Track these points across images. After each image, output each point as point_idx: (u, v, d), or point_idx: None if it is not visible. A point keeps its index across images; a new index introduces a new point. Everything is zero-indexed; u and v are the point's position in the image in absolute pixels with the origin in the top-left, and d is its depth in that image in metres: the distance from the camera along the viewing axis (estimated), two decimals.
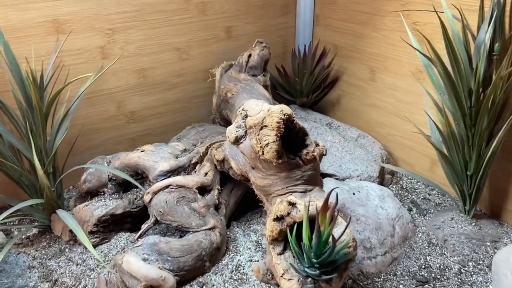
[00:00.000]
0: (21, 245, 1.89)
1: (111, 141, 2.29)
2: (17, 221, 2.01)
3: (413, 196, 2.19)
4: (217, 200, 1.81)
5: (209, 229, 1.72)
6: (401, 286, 1.62)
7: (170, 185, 1.72)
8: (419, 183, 2.30)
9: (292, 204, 1.33)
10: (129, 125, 2.35)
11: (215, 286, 1.65)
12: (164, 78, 2.36)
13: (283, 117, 1.34)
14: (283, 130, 1.33)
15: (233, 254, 1.79)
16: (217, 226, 1.76)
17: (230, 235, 1.88)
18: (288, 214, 1.32)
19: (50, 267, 1.77)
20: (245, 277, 1.69)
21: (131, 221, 1.92)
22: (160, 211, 1.70)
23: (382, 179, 2.21)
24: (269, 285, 1.50)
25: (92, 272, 1.73)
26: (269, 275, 1.43)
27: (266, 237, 1.38)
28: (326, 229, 1.23)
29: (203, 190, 1.80)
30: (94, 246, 1.83)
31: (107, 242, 1.85)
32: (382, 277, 1.67)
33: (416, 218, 2.02)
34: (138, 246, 1.61)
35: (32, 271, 1.75)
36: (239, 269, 1.72)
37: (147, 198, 1.74)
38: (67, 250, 1.85)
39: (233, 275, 1.70)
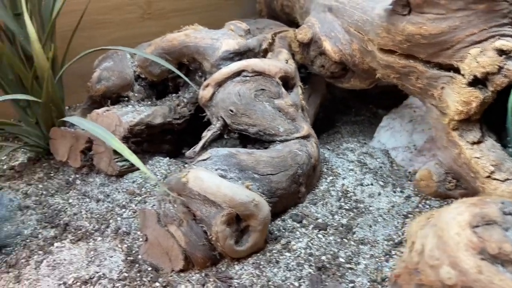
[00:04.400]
0: (1, 178, 1.23)
1: (120, 42, 1.61)
2: None
3: None
4: (303, 101, 1.23)
5: (303, 137, 1.15)
6: None
7: (244, 70, 1.11)
8: None
9: (506, 53, 0.78)
10: (143, 22, 1.70)
11: (321, 220, 1.09)
12: None
13: None
14: None
15: (332, 178, 1.23)
16: (312, 135, 1.18)
17: None
18: (499, 70, 0.77)
19: (55, 206, 1.13)
20: (361, 205, 1.14)
21: (171, 140, 1.30)
22: (231, 110, 1.10)
23: None
24: (445, 200, 0.95)
25: (123, 210, 1.12)
26: (450, 183, 0.88)
27: (448, 118, 0.82)
28: None
29: (285, 84, 1.21)
30: (121, 175, 1.21)
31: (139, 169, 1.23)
32: None
33: None
34: (204, 159, 1.02)
35: (26, 212, 1.12)
36: (348, 195, 1.17)
37: (206, 93, 1.13)
38: (78, 181, 1.22)
39: (343, 204, 1.14)
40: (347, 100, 1.80)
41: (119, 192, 1.18)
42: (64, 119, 1.08)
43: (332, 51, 1.21)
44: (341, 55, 1.20)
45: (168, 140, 1.29)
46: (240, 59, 1.16)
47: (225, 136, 1.15)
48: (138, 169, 1.23)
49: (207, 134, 1.10)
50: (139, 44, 1.65)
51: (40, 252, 1.01)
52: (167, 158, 1.29)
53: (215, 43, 1.15)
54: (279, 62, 1.18)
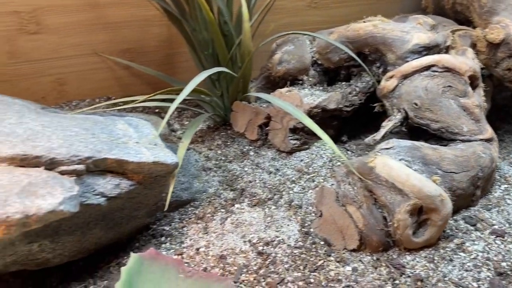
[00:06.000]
0: None
1: (289, 28, 1.68)
2: (175, 113, 1.53)
3: None
4: (485, 103, 1.19)
5: (486, 140, 1.11)
6: None
7: (434, 65, 1.11)
8: None
9: None
10: (309, 10, 1.76)
11: (497, 226, 1.05)
12: None
13: None
14: None
15: (506, 186, 1.17)
16: (495, 138, 1.14)
17: None
18: None
19: (233, 172, 1.26)
20: None
21: (336, 126, 1.35)
22: (416, 104, 1.10)
23: None
24: None
25: (293, 184, 1.20)
26: None
27: None
28: None
29: (470, 83, 1.18)
30: (291, 152, 1.29)
31: (307, 149, 1.31)
32: None
33: None
34: (387, 148, 1.04)
35: (209, 173, 1.25)
36: None
37: (390, 84, 1.15)
38: (251, 153, 1.33)
39: None
40: (509, 108, 1.68)
41: (288, 168, 1.26)
42: (257, 94, 1.19)
43: None
44: None
45: (333, 126, 1.34)
46: (426, 54, 1.16)
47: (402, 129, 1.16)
48: (306, 148, 1.30)
49: (388, 124, 1.12)
50: (303, 31, 1.72)
51: (223, 210, 1.13)
52: None
53: (405, 36, 1.16)
54: (469, 60, 1.15)
